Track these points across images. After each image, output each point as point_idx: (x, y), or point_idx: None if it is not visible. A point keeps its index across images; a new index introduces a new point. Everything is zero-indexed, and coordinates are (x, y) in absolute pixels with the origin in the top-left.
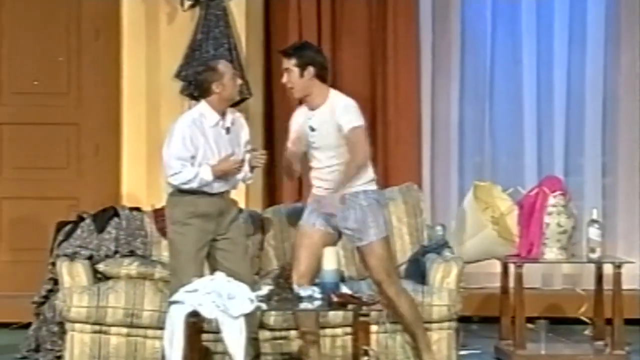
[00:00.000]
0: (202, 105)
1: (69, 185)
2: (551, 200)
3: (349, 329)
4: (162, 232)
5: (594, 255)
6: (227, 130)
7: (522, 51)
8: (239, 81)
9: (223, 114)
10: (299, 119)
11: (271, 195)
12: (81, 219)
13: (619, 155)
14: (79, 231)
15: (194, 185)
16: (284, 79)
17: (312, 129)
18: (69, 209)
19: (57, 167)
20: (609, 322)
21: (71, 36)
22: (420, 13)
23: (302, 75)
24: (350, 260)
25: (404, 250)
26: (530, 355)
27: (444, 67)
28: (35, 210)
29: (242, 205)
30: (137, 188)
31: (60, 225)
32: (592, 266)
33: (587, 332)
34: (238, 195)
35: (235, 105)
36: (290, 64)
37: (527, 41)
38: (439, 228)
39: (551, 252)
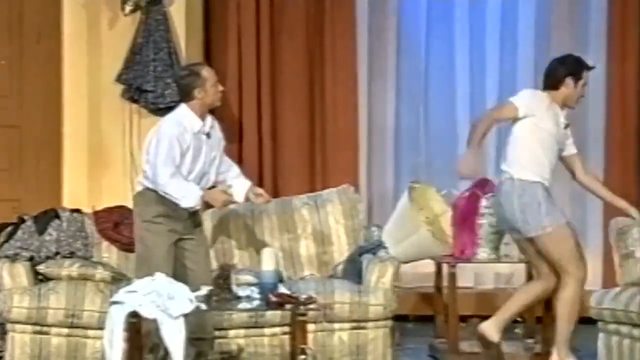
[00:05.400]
0: (184, 110)
1: (10, 187)
2: (484, 202)
3: (287, 328)
4: (103, 233)
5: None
6: (208, 135)
7: (455, 55)
8: (220, 87)
9: (203, 119)
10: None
11: None
12: (22, 220)
13: None
14: (19, 233)
15: (173, 197)
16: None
17: (566, 126)
18: (10, 210)
19: None
20: (539, 320)
21: (13, 39)
22: (357, 16)
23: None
24: (288, 261)
25: (340, 250)
26: (463, 353)
27: (381, 70)
28: None
29: None
30: (78, 190)
31: (1, 227)
32: (523, 266)
33: (517, 330)
34: None
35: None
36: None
37: (459, 46)
38: (374, 229)
39: (484, 252)
